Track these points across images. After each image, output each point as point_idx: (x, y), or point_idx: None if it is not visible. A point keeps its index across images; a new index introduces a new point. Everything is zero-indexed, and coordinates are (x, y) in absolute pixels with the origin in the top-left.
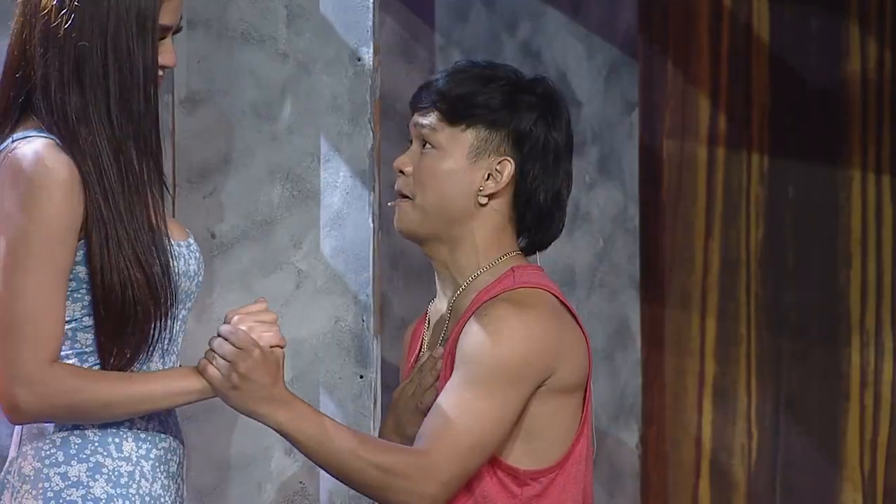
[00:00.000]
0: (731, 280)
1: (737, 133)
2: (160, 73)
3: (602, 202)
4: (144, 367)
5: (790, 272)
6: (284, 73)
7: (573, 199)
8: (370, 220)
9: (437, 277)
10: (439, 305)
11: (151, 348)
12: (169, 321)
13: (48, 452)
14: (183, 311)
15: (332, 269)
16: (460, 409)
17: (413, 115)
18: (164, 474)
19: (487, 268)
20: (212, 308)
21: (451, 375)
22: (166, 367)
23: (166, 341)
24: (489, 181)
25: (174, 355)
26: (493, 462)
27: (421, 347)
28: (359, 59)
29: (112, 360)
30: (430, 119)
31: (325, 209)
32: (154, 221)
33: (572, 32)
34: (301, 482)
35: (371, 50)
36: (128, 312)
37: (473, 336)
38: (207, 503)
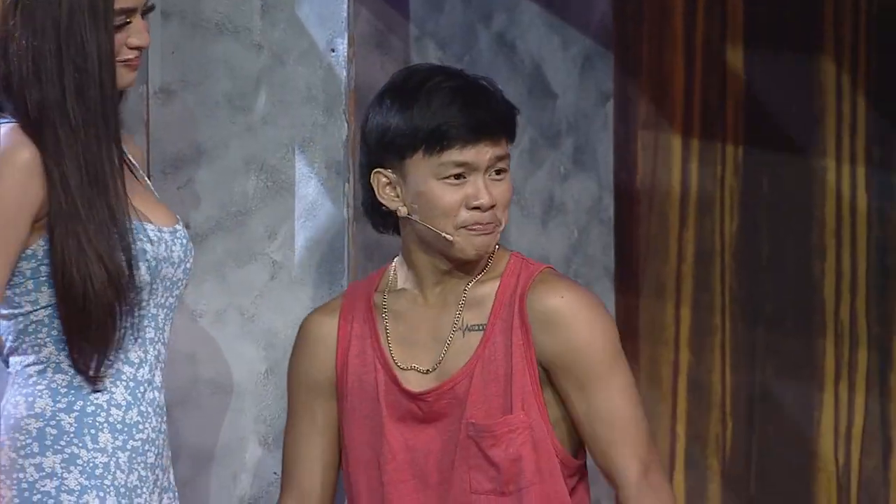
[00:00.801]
0: (706, 271)
1: (711, 124)
2: (136, 54)
3: (576, 193)
4: (122, 356)
5: (764, 263)
6: (259, 64)
7: (548, 190)
8: (345, 210)
9: (434, 272)
10: (422, 295)
11: (119, 342)
12: (134, 315)
13: (24, 443)
14: (170, 299)
15: (306, 260)
16: (629, 402)
17: (466, 148)
18: (142, 465)
19: (492, 255)
20: (186, 299)
21: (520, 360)
22: (149, 357)
23: (150, 330)
24: None
25: (160, 344)
26: (563, 462)
27: (385, 344)
28: (333, 50)
29: (79, 351)
30: (504, 147)
31: (299, 200)
32: (120, 212)
33: (547, 23)
34: (276, 473)
35: (346, 41)
36: (88, 307)
37: (575, 330)
38: (183, 494)
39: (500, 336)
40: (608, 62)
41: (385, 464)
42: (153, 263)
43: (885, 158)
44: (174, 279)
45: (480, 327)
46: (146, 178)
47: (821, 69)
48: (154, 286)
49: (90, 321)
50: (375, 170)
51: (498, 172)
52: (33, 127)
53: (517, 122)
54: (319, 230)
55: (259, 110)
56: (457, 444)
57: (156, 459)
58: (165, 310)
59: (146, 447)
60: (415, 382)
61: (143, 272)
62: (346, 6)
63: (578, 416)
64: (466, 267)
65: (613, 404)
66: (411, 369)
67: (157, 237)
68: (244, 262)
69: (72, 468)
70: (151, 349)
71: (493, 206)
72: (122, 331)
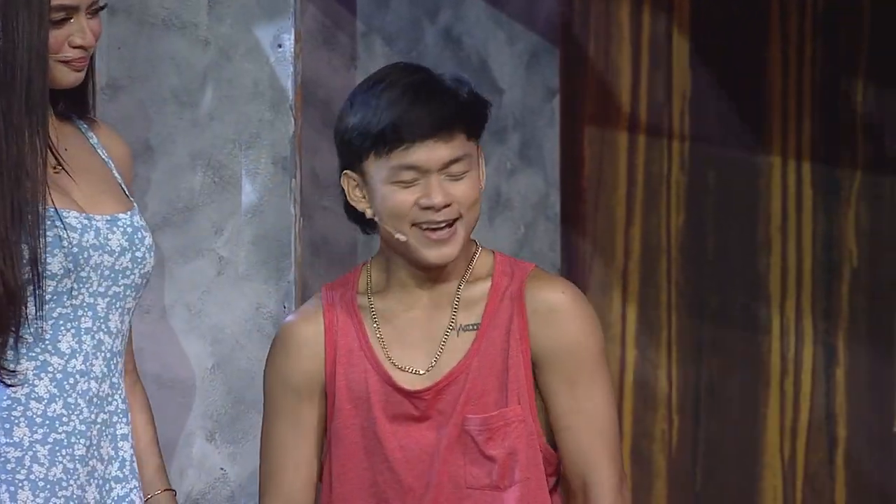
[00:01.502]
0: (652, 267)
1: (657, 120)
2: (79, 54)
3: (523, 189)
4: (49, 347)
5: (711, 259)
6: (206, 60)
7: (494, 186)
8: (292, 206)
9: (411, 274)
10: (410, 297)
11: (20, 338)
12: (33, 312)
13: None
14: (114, 288)
15: (253, 256)
16: (610, 404)
17: (415, 147)
18: (68, 458)
19: (475, 255)
20: None
21: (516, 357)
22: (84, 347)
23: (87, 320)
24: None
25: (101, 333)
26: (547, 459)
27: (376, 345)
28: (280, 46)
29: None
30: (461, 146)
31: (246, 196)
32: (33, 204)
33: (493, 19)
34: (222, 468)
35: (293, 37)
36: None
37: (574, 326)
38: None
39: (496, 332)
40: (554, 58)
41: (378, 464)
42: (75, 251)
43: (830, 154)
44: (116, 268)
45: (475, 326)
46: (113, 170)
47: (767, 65)
48: (83, 275)
49: None
50: (344, 172)
51: (457, 170)
52: None
53: (485, 116)
54: (266, 226)
55: (206, 106)
56: (453, 441)
57: (87, 451)
58: (109, 299)
59: (73, 439)
60: (409, 382)
61: (60, 260)
62: (292, 2)
63: (560, 412)
64: (443, 270)
65: (597, 404)
66: (405, 370)
67: (83, 224)
68: (191, 257)
69: None
70: (88, 339)
71: (447, 206)
72: (18, 327)
